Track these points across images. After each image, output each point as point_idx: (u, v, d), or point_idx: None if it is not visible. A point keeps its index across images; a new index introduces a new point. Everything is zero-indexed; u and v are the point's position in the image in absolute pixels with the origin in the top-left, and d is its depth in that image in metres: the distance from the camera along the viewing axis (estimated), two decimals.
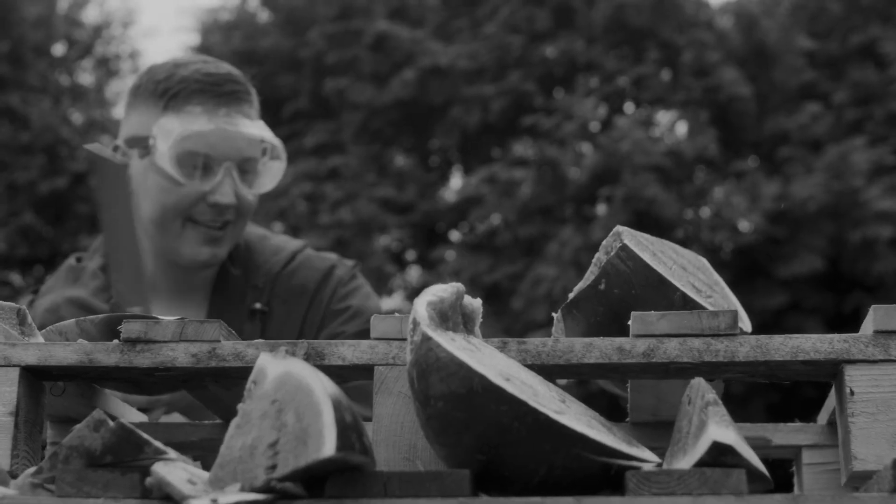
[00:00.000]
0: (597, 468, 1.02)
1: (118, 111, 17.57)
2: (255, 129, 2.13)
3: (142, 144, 2.11)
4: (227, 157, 2.10)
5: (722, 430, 0.99)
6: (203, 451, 1.49)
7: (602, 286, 1.34)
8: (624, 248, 1.33)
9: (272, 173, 2.20)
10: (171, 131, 2.06)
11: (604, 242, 1.38)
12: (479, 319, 1.21)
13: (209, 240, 2.14)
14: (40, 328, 1.73)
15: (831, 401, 1.45)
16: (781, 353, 1.22)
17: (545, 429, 1.00)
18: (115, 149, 2.19)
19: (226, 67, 2.18)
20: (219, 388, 1.39)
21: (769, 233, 12.11)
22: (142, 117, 2.13)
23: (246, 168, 2.14)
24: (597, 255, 1.38)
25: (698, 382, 1.09)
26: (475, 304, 1.21)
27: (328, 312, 2.25)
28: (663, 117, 14.41)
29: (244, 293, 2.24)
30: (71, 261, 2.32)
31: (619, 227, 1.38)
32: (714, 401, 1.03)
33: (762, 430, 1.47)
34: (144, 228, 2.15)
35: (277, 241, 2.37)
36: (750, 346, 1.23)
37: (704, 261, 1.51)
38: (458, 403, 1.02)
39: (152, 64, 2.22)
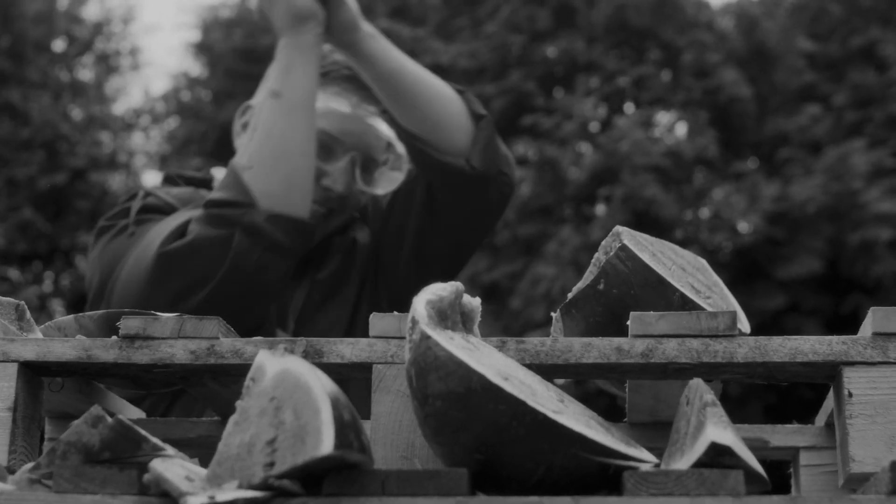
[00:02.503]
0: (595, 468, 1.02)
1: (118, 107, 17.59)
2: (389, 131, 2.15)
3: None
4: (354, 146, 2.11)
5: (720, 430, 0.99)
6: (201, 449, 1.49)
7: (601, 286, 1.34)
8: (623, 248, 1.33)
9: (389, 181, 2.20)
10: None
11: (603, 242, 1.38)
12: (478, 318, 1.21)
13: (321, 198, 2.13)
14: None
15: (829, 402, 1.45)
16: (780, 355, 1.22)
17: (543, 428, 1.00)
18: (246, 109, 2.21)
19: None
20: (217, 385, 1.39)
21: (768, 234, 12.11)
22: None
23: (367, 167, 2.14)
24: (596, 255, 1.38)
25: (696, 383, 1.09)
26: (474, 303, 1.21)
27: None
28: (663, 118, 14.42)
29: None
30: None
31: (618, 228, 1.38)
32: (712, 402, 1.03)
33: (760, 432, 1.48)
34: None
35: None
36: (748, 347, 1.23)
37: (704, 262, 1.52)
38: (456, 402, 1.02)
39: None
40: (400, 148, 2.18)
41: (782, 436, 1.49)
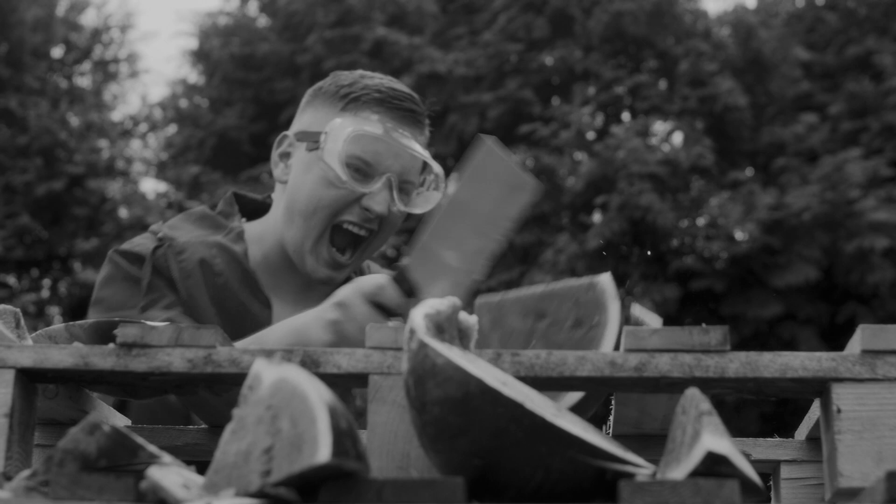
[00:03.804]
0: (592, 473, 1.02)
1: (116, 114, 17.58)
2: (424, 152, 2.16)
3: (312, 139, 2.15)
4: (388, 169, 2.12)
5: (716, 439, 0.99)
6: (188, 457, 1.50)
7: None
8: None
9: (427, 201, 2.22)
10: (343, 130, 2.09)
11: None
12: (475, 336, 1.22)
13: (333, 264, 2.16)
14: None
15: (810, 417, 1.47)
16: (770, 370, 1.24)
17: (541, 431, 1.00)
18: (283, 139, 2.24)
19: (408, 90, 2.22)
20: (210, 394, 1.40)
21: (764, 242, 12.12)
22: (317, 115, 2.18)
23: (403, 188, 2.16)
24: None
25: (693, 392, 1.09)
26: (471, 320, 1.21)
27: None
28: (660, 127, 14.44)
29: None
30: (203, 209, 2.32)
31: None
32: (708, 411, 1.04)
33: (741, 445, 1.49)
34: (290, 220, 2.17)
35: (378, 268, 2.44)
36: (739, 362, 1.24)
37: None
38: (454, 407, 1.02)
39: (339, 71, 2.28)
40: (437, 168, 2.20)
41: (763, 449, 1.50)
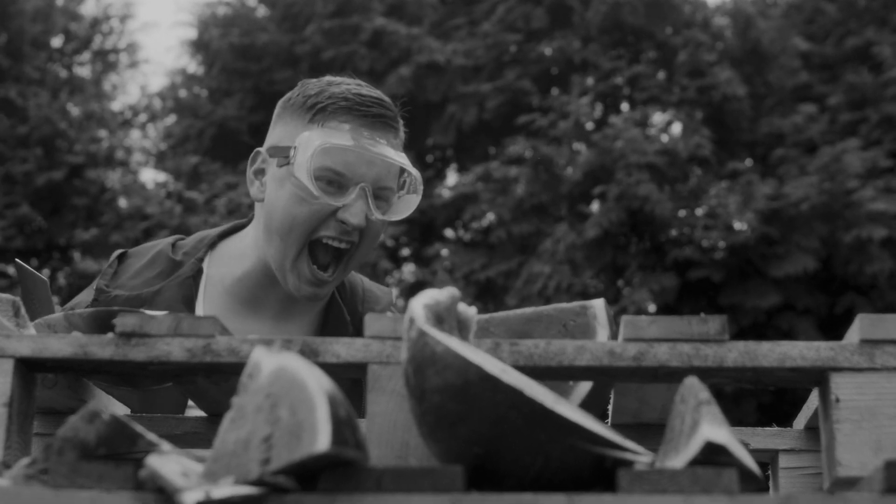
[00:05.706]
0: (591, 461, 1.02)
1: (116, 104, 17.56)
2: (397, 156, 2.10)
3: (282, 154, 2.09)
4: (363, 178, 2.07)
5: (715, 429, 1.00)
6: (187, 445, 1.50)
7: None
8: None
9: (407, 205, 2.18)
10: (311, 143, 2.04)
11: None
12: (474, 328, 1.21)
13: (315, 282, 2.12)
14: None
15: (808, 406, 1.47)
16: (769, 360, 1.24)
17: (541, 418, 1.00)
18: (256, 155, 2.19)
19: (378, 92, 2.16)
20: (206, 382, 1.40)
21: (763, 233, 12.13)
22: (287, 128, 2.12)
23: (380, 195, 2.11)
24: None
25: (692, 381, 1.09)
26: (470, 311, 1.21)
27: None
28: (658, 117, 14.43)
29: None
30: (167, 249, 2.26)
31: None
32: (707, 400, 1.04)
33: (740, 434, 1.49)
34: (269, 238, 2.13)
35: (372, 286, 2.40)
36: (738, 352, 1.24)
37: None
38: (454, 395, 1.02)
39: (306, 80, 2.22)
40: (414, 171, 2.15)
41: (762, 438, 1.51)
